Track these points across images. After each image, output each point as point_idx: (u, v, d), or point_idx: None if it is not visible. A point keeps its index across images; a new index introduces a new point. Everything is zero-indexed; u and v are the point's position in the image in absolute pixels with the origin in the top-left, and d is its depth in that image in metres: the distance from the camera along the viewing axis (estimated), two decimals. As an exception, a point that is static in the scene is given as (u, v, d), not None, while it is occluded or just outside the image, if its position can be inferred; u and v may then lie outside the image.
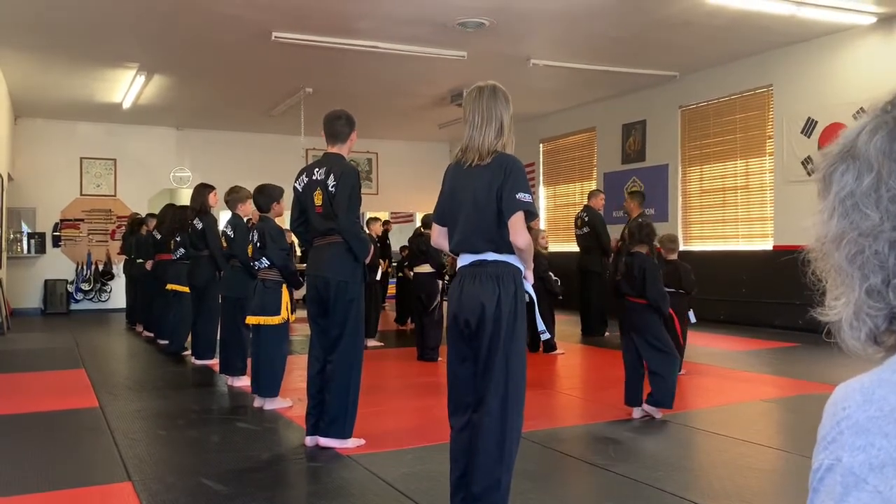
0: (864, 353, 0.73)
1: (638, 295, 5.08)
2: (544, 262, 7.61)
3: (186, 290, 7.93)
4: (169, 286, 8.28)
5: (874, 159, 0.71)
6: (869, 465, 0.63)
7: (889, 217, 0.69)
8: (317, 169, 4.45)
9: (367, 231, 9.56)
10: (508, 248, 3.01)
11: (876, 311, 0.71)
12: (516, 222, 2.94)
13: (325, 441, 4.36)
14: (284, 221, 6.73)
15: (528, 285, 3.13)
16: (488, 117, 3.04)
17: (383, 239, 12.66)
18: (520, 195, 2.94)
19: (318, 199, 4.38)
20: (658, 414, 5.05)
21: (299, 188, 4.51)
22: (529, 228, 3.06)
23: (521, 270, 3.07)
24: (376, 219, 10.92)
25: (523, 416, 3.10)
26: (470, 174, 3.06)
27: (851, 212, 0.72)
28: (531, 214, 2.99)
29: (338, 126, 4.49)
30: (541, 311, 7.51)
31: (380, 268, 9.59)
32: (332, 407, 4.35)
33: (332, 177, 4.33)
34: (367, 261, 4.51)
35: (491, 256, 3.03)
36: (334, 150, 4.50)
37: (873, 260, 0.70)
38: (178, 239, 8.11)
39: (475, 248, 3.06)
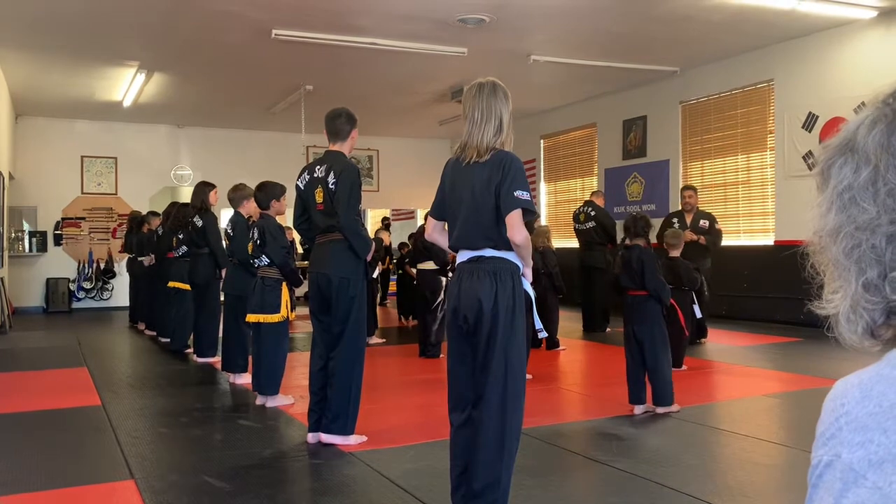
0: (861, 347, 0.73)
1: (638, 287, 5.09)
2: (553, 258, 7.61)
3: (188, 287, 7.93)
4: (170, 284, 8.29)
5: (872, 153, 0.70)
6: (868, 462, 0.63)
7: (886, 211, 0.69)
8: (318, 167, 4.47)
9: (378, 236, 9.71)
10: (506, 245, 3.02)
11: (873, 305, 0.71)
12: (514, 219, 2.95)
13: (327, 438, 4.37)
14: (287, 220, 6.74)
15: (527, 284, 3.13)
16: (488, 114, 3.04)
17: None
18: (518, 192, 2.95)
19: (318, 197, 4.40)
20: (664, 409, 5.09)
21: (301, 186, 4.53)
22: (529, 226, 3.06)
23: (519, 267, 3.07)
24: (383, 229, 11.29)
25: (523, 413, 3.10)
26: (469, 171, 3.07)
27: (849, 205, 0.71)
28: (529, 212, 2.99)
29: (338, 124, 4.50)
30: (549, 307, 7.52)
31: (378, 266, 9.66)
32: (334, 404, 4.36)
33: (332, 174, 4.35)
34: (369, 258, 4.52)
35: (489, 253, 3.04)
36: (335, 147, 4.52)
37: (870, 254, 0.70)
38: (180, 236, 8.11)
39: (473, 244, 3.07)
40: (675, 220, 8.75)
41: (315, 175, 4.45)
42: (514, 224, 2.96)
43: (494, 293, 2.99)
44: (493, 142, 3.04)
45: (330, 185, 4.34)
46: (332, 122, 4.52)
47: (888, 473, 0.61)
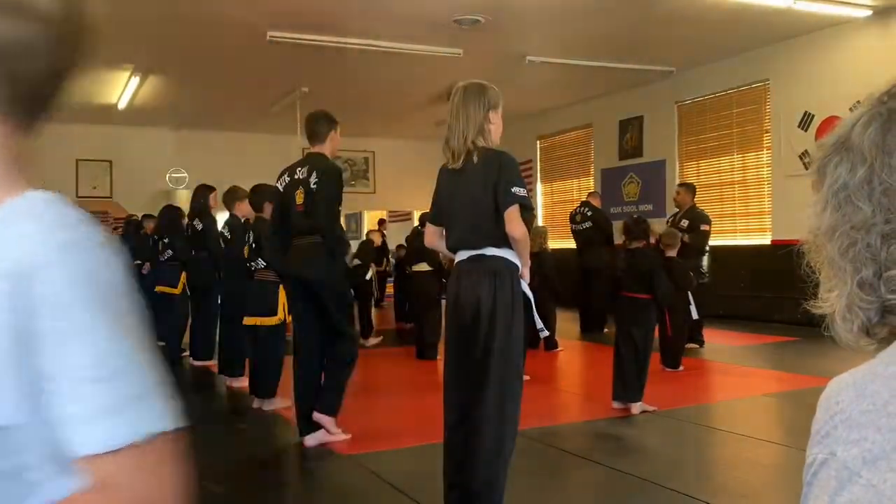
0: (856, 346, 0.73)
1: (643, 291, 5.11)
2: (550, 260, 7.61)
3: (176, 291, 7.92)
4: (158, 288, 8.26)
5: (867, 152, 0.70)
6: (862, 459, 0.63)
7: (881, 210, 0.69)
8: (299, 168, 4.53)
9: (369, 237, 9.68)
10: (507, 243, 3.04)
11: (868, 303, 0.70)
12: (512, 214, 2.98)
13: (316, 416, 4.43)
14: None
15: (525, 284, 3.14)
16: (465, 116, 3.08)
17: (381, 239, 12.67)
18: (515, 189, 2.99)
19: (299, 198, 4.44)
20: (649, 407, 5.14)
21: (280, 188, 4.59)
22: (527, 224, 3.07)
23: (518, 267, 3.08)
24: (376, 231, 11.07)
25: (520, 412, 3.10)
26: (463, 173, 3.10)
27: (844, 204, 0.71)
28: (527, 208, 3.02)
29: (316, 126, 4.57)
30: (545, 309, 7.50)
31: (370, 269, 9.59)
32: (324, 388, 4.49)
33: (314, 175, 4.39)
34: (348, 260, 4.59)
35: (489, 251, 3.05)
36: (315, 149, 4.58)
37: (865, 253, 0.70)
38: (165, 240, 8.10)
39: (474, 244, 3.09)
40: (670, 219, 8.65)
41: (296, 176, 4.50)
42: (513, 219, 2.98)
43: (493, 292, 3.00)
44: (476, 141, 3.07)
45: (311, 186, 4.38)
46: (310, 125, 4.59)
47: (882, 471, 0.61)
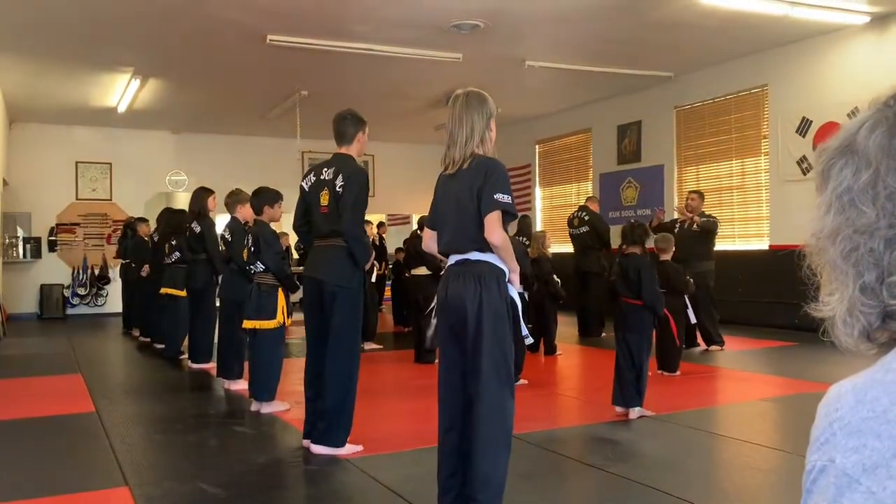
0: (856, 350, 0.73)
1: (634, 296, 5.12)
2: (547, 265, 7.60)
3: (182, 293, 7.92)
4: (163, 290, 8.26)
5: (873, 156, 0.70)
6: (862, 467, 0.63)
7: (885, 214, 0.69)
8: (325, 169, 4.39)
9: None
10: (491, 248, 3.06)
11: (869, 308, 0.70)
12: (492, 220, 3.00)
13: (317, 449, 4.30)
14: (282, 226, 6.74)
15: (513, 290, 3.14)
16: (463, 123, 3.11)
17: (379, 241, 12.63)
18: (498, 195, 3.00)
19: (324, 200, 4.32)
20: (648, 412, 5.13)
21: (306, 187, 4.46)
22: (526, 231, 3.09)
23: (504, 271, 3.09)
24: (367, 222, 10.73)
25: (513, 414, 3.10)
26: (454, 179, 3.14)
27: (848, 208, 0.71)
28: (510, 215, 3.04)
29: (343, 126, 4.43)
30: (546, 315, 7.49)
31: (374, 271, 9.56)
32: (326, 414, 4.29)
33: (340, 177, 4.27)
34: (367, 266, 4.47)
35: (475, 256, 3.08)
36: (342, 150, 4.44)
37: (868, 257, 0.70)
38: (172, 243, 8.11)
39: (461, 249, 3.12)
40: (676, 225, 8.65)
41: (322, 177, 4.36)
42: (492, 225, 3.00)
43: (479, 296, 3.02)
44: (470, 149, 3.09)
45: (337, 189, 4.26)
46: (337, 125, 4.44)
47: (882, 478, 0.61)
